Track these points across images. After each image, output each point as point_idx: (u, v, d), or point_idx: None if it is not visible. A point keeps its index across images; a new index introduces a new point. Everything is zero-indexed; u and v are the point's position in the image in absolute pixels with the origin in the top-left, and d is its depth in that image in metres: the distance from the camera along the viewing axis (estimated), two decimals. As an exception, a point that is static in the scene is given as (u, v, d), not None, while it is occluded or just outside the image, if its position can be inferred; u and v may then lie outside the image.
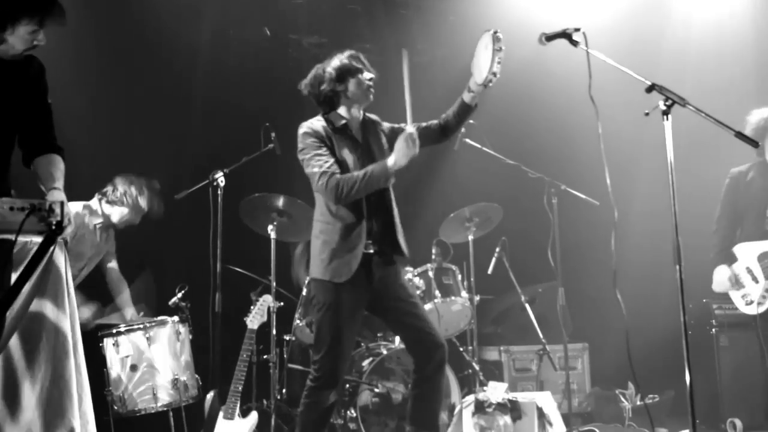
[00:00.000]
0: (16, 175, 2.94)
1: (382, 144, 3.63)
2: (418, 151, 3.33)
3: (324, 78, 3.55)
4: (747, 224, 4.64)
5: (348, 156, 3.51)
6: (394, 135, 3.53)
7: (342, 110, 3.58)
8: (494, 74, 3.23)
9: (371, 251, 3.47)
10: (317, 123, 3.57)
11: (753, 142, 2.80)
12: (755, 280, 4.51)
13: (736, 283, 4.58)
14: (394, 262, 3.57)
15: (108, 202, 4.58)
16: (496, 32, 3.22)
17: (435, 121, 3.63)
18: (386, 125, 3.73)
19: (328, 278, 3.42)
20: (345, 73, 3.51)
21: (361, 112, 3.64)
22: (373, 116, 3.72)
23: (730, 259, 4.61)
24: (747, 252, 4.55)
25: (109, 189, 4.59)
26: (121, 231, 4.73)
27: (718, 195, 4.83)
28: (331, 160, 3.43)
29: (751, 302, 4.50)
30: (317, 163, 3.42)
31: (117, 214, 4.58)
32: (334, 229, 3.45)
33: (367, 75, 3.53)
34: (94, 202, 4.59)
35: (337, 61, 3.54)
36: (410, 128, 3.36)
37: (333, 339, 3.42)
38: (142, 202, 4.59)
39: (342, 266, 3.40)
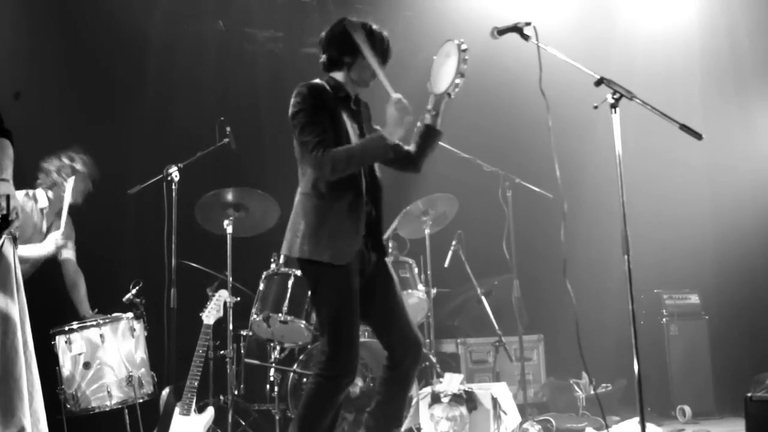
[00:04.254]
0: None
1: (371, 128, 3.36)
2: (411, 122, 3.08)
3: (335, 40, 3.26)
4: None
5: (350, 127, 3.21)
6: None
7: (339, 77, 3.29)
8: (456, 86, 3.05)
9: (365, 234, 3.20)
10: (320, 85, 3.22)
11: (696, 135, 2.88)
12: None
13: None
14: (383, 250, 3.32)
15: (50, 187, 4.52)
16: (461, 43, 3.07)
17: (406, 146, 3.34)
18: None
19: (327, 260, 3.10)
20: (358, 50, 3.19)
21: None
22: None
23: None
24: None
25: (42, 177, 4.54)
26: (75, 225, 4.68)
27: (666, 186, 4.89)
28: (329, 132, 3.10)
29: None
30: (313, 131, 3.07)
31: (69, 192, 4.50)
32: (332, 205, 3.14)
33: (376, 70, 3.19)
34: (39, 193, 4.52)
35: (361, 31, 3.20)
36: (397, 94, 3.06)
37: (341, 324, 3.10)
38: (79, 166, 4.54)
39: (343, 247, 3.11)
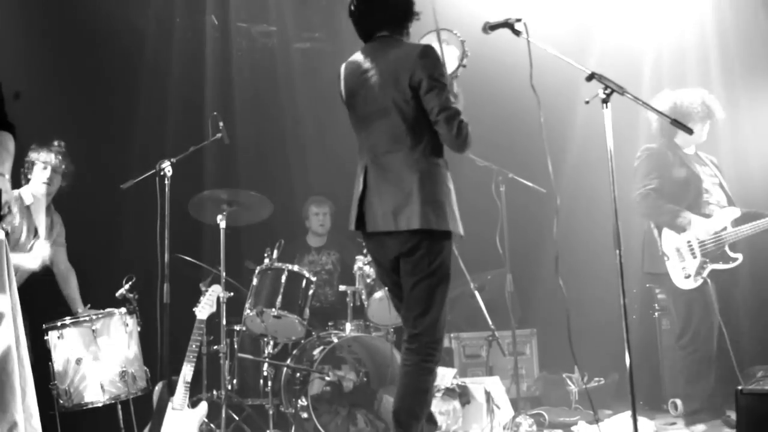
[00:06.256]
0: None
1: None
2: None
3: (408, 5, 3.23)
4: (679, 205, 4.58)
5: None
6: None
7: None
8: (463, 58, 3.11)
9: None
10: None
11: (688, 129, 2.90)
12: (693, 255, 4.50)
13: (679, 254, 4.54)
14: None
15: (28, 180, 4.49)
16: (439, 32, 3.11)
17: None
18: None
19: (459, 231, 3.09)
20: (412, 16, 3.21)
21: None
22: None
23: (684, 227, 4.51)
24: (694, 226, 4.50)
25: (25, 167, 4.50)
26: (67, 221, 4.66)
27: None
28: None
29: (689, 276, 4.48)
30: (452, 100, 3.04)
31: (57, 183, 4.48)
32: (450, 177, 3.12)
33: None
34: (24, 192, 4.48)
35: None
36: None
37: (445, 302, 3.08)
38: (44, 156, 4.48)
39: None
